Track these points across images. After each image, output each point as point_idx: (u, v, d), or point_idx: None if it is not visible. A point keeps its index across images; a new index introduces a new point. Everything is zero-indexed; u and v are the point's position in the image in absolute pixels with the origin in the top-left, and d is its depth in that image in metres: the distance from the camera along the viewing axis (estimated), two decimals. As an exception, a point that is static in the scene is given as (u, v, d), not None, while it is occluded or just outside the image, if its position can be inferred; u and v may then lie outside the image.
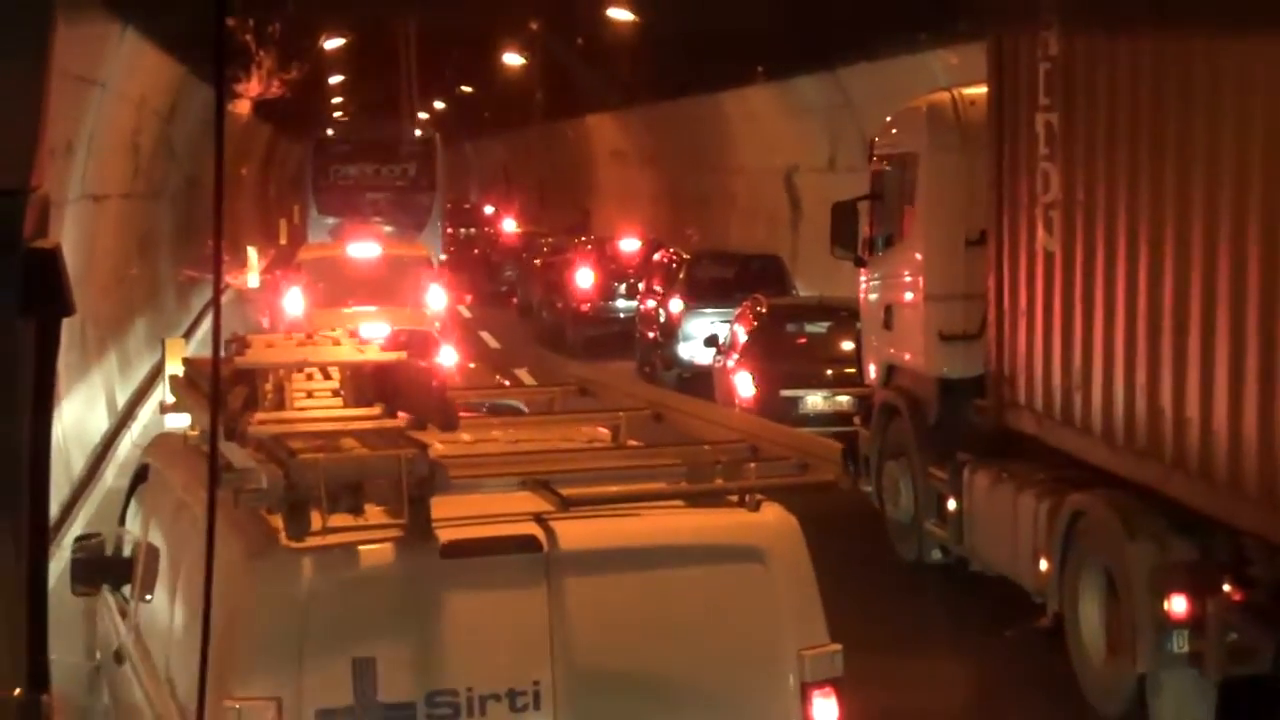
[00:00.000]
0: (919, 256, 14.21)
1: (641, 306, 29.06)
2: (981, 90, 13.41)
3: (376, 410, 6.59)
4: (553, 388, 8.67)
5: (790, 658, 5.95)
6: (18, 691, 2.56)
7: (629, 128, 46.09)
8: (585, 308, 32.95)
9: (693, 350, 24.54)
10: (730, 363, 20.33)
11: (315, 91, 47.63)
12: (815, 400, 18.85)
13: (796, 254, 29.60)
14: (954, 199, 13.77)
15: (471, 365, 22.17)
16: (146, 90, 25.08)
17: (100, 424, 19.91)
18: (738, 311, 21.77)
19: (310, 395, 6.88)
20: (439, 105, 63.64)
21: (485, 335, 32.23)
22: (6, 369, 2.52)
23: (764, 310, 20.84)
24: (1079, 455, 11.52)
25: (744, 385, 19.41)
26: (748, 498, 6.08)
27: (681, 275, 27.39)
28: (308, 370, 6.99)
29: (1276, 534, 9.33)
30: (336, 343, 7.14)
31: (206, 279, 33.43)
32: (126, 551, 8.17)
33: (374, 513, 5.65)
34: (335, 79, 55.93)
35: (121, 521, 8.60)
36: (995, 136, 12.79)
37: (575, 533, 5.78)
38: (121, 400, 21.80)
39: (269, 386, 6.82)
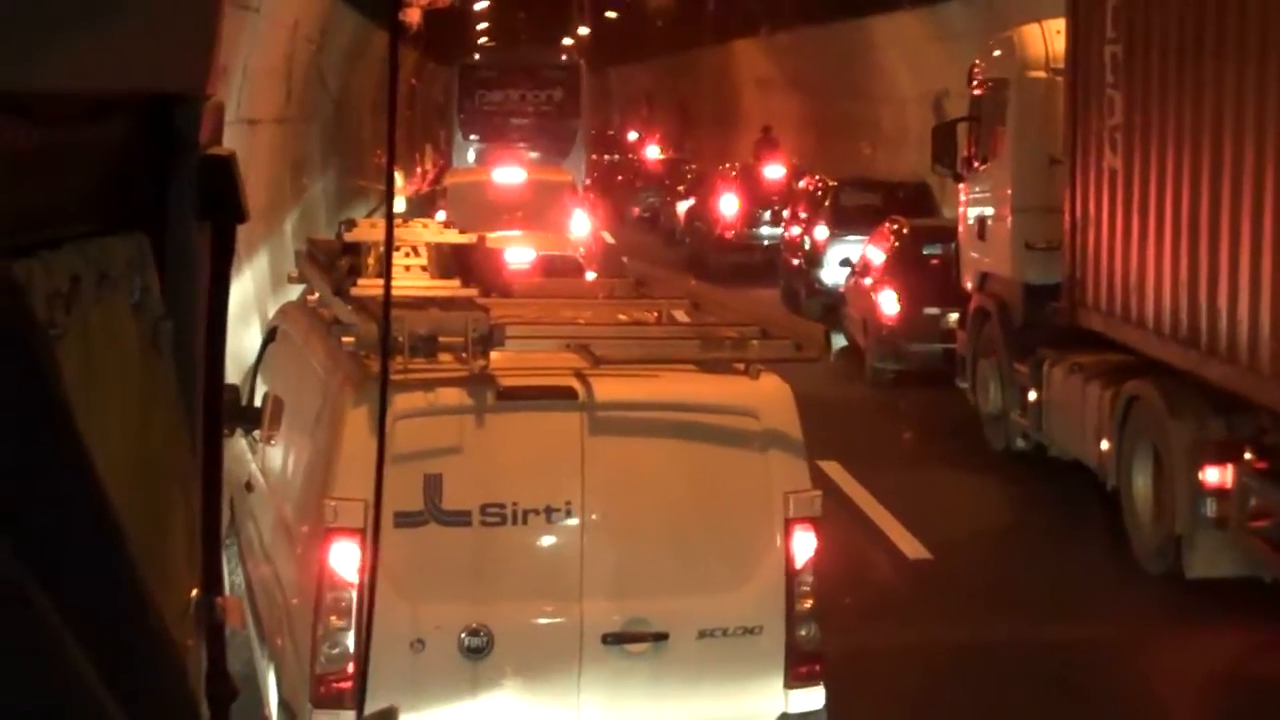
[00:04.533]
0: (1009, 173, 16.63)
1: (786, 234, 30.39)
2: (1068, 23, 15.81)
3: (455, 282, 8.76)
4: (612, 279, 11.10)
5: (777, 498, 7.58)
6: (195, 593, 2.64)
7: (774, 54, 47.73)
8: (729, 235, 34.42)
9: (837, 277, 25.39)
10: (868, 282, 22.32)
11: (461, 17, 49.82)
12: (956, 317, 20.61)
13: (944, 181, 31.28)
14: (1040, 121, 16.21)
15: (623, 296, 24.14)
16: (299, 16, 26.49)
17: (254, 342, 21.89)
18: (873, 233, 23.59)
19: (408, 270, 9.19)
20: (583, 31, 65.91)
21: (627, 260, 34.29)
22: (184, 274, 2.60)
23: (905, 231, 22.73)
24: (1137, 347, 13.94)
25: (888, 304, 21.29)
26: (750, 368, 7.71)
27: (827, 202, 28.55)
28: (405, 249, 9.36)
29: (1285, 407, 11.67)
30: (426, 226, 9.65)
31: (376, 189, 35.76)
32: (258, 402, 9.94)
33: (446, 360, 7.35)
34: (481, 4, 58.27)
35: (254, 377, 10.46)
36: (1071, 65, 15.28)
37: (606, 386, 7.49)
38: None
39: (371, 259, 8.91)
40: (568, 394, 7.47)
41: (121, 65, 2.26)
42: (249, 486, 9.80)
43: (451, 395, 7.35)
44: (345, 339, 7.83)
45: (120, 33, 2.23)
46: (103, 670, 1.71)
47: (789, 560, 7.63)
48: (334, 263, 8.98)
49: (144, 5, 2.33)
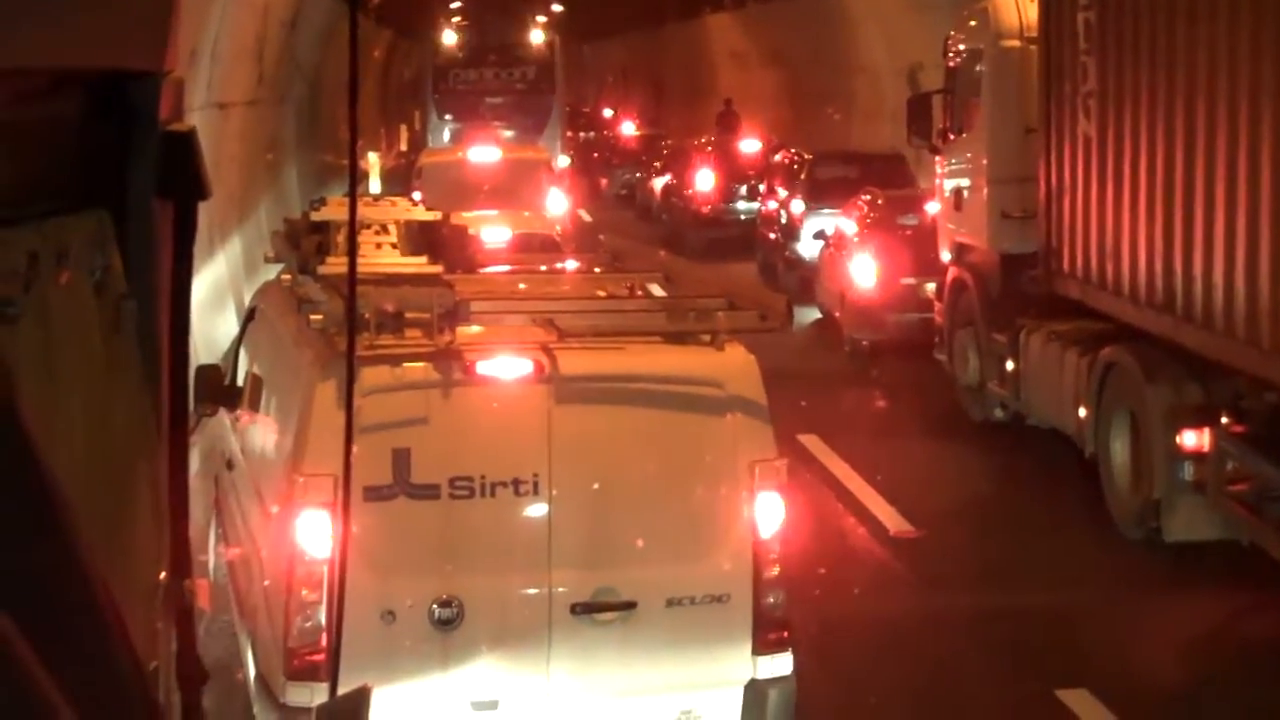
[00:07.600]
0: (984, 144, 16.73)
1: (762, 208, 30.52)
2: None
3: (423, 259, 8.97)
4: (589, 255, 11.17)
5: (743, 466, 7.73)
6: (162, 576, 2.63)
7: (748, 27, 47.85)
8: (705, 210, 34.48)
9: (814, 250, 25.31)
10: (845, 254, 22.38)
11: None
12: (934, 287, 20.14)
13: (920, 153, 31.35)
14: (1015, 90, 16.30)
15: (598, 270, 24.26)
16: (270, -2, 26.76)
17: (229, 328, 21.83)
18: (848, 205, 23.70)
19: (379, 247, 9.32)
20: (557, 7, 65.90)
21: (603, 238, 34.25)
22: (146, 252, 2.57)
23: (880, 202, 22.90)
24: (1113, 314, 14.06)
25: (864, 274, 21.38)
26: (715, 339, 7.90)
27: (803, 176, 28.61)
28: (375, 227, 9.46)
29: (1261, 370, 11.78)
30: (394, 204, 9.75)
31: (341, 164, 35.71)
32: (240, 381, 10.00)
33: (414, 336, 7.55)
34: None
35: (235, 356, 10.60)
36: (1044, 33, 15.37)
37: (572, 360, 7.65)
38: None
39: (340, 237, 8.98)
40: (534, 367, 7.61)
41: (77, 42, 2.24)
42: (230, 464, 9.94)
43: (418, 370, 7.53)
44: (313, 316, 7.96)
45: (75, 9, 2.22)
46: (42, 651, 1.71)
47: (755, 529, 7.77)
48: (301, 242, 9.11)
49: None
